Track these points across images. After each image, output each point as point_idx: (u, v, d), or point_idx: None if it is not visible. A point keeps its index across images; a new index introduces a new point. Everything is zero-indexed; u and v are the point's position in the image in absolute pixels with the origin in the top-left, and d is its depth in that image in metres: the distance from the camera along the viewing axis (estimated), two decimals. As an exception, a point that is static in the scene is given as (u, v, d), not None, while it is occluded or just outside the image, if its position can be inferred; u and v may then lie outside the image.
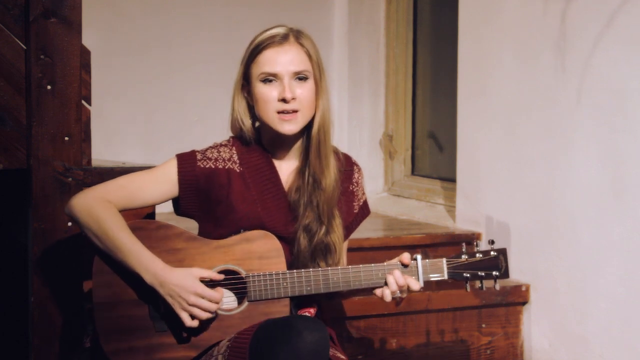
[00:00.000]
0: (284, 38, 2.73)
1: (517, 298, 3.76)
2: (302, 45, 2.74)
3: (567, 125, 3.59)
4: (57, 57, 3.07)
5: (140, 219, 2.92)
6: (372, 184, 4.97)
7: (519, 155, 3.83)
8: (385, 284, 2.73)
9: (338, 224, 2.80)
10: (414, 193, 4.76)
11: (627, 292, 3.39)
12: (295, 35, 2.74)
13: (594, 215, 3.50)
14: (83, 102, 3.13)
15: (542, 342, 3.73)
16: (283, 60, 2.71)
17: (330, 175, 2.77)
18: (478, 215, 4.03)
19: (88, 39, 3.22)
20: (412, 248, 3.85)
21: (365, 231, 4.04)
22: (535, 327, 3.75)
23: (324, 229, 2.77)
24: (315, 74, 2.74)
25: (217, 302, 2.63)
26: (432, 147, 4.85)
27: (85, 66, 3.13)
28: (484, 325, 3.72)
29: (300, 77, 2.72)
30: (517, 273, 3.81)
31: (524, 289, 3.76)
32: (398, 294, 2.73)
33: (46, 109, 3.07)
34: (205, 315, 2.63)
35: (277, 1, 4.93)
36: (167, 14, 4.79)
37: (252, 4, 4.85)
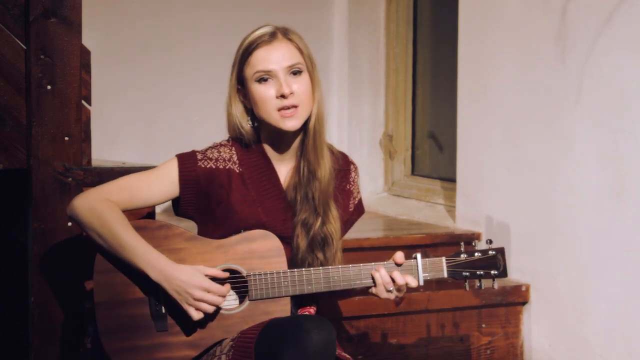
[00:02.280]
0: (272, 36, 2.74)
1: (517, 298, 3.76)
2: (291, 40, 2.76)
3: (567, 125, 3.59)
4: (57, 57, 3.07)
5: (139, 218, 2.92)
6: (372, 184, 4.96)
7: (519, 155, 3.83)
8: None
9: (335, 216, 2.81)
10: (414, 193, 4.76)
11: (627, 292, 3.39)
12: (283, 32, 2.76)
13: (594, 215, 3.50)
14: (83, 102, 3.13)
15: (542, 342, 3.73)
16: (275, 57, 2.72)
17: (325, 166, 2.78)
18: (478, 215, 4.03)
19: (88, 39, 3.22)
20: (412, 248, 3.85)
21: (365, 231, 4.04)
22: (535, 327, 3.75)
23: (319, 220, 2.78)
24: (308, 66, 2.76)
25: (223, 296, 2.65)
26: (432, 147, 4.85)
27: (85, 66, 3.13)
28: (484, 325, 3.72)
29: (295, 71, 2.73)
30: (517, 273, 3.81)
31: (524, 289, 3.76)
32: (393, 291, 2.73)
33: (46, 109, 3.07)
34: (211, 309, 2.64)
35: (277, 2, 4.93)
36: (168, 14, 4.79)
37: (252, 5, 4.85)
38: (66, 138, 3.09)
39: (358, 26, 5.04)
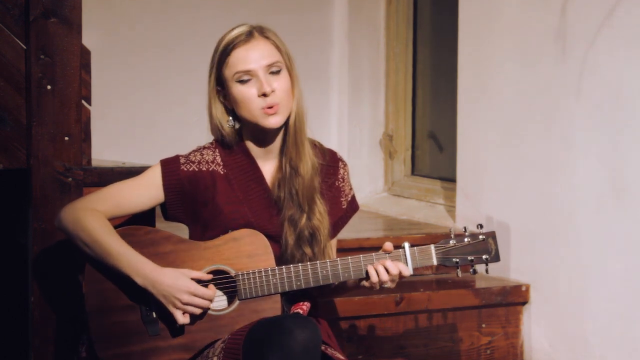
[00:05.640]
0: (249, 35, 2.75)
1: (517, 298, 3.76)
2: (267, 38, 2.77)
3: (567, 124, 3.59)
4: (57, 57, 3.07)
5: (135, 224, 2.91)
6: (372, 184, 4.96)
7: (519, 155, 3.83)
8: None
9: (322, 211, 2.80)
10: (414, 193, 4.76)
11: (627, 292, 3.39)
12: (259, 30, 2.77)
13: (594, 215, 3.50)
14: (83, 102, 3.13)
15: (542, 342, 3.73)
16: (254, 56, 2.73)
17: (307, 161, 2.79)
18: (478, 215, 4.03)
19: (88, 39, 3.22)
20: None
21: (365, 231, 4.04)
22: (535, 327, 3.75)
23: (304, 216, 2.78)
24: (286, 64, 2.77)
25: (209, 300, 2.66)
26: (432, 147, 4.85)
27: (85, 66, 3.13)
28: (484, 325, 3.72)
29: (273, 70, 2.74)
30: (517, 273, 3.81)
31: (524, 289, 3.76)
32: (387, 281, 2.73)
33: (46, 109, 3.07)
34: (198, 312, 2.65)
35: (277, 2, 4.93)
36: (168, 14, 4.79)
37: (252, 5, 4.85)
38: (66, 138, 3.09)
39: (358, 26, 5.04)
